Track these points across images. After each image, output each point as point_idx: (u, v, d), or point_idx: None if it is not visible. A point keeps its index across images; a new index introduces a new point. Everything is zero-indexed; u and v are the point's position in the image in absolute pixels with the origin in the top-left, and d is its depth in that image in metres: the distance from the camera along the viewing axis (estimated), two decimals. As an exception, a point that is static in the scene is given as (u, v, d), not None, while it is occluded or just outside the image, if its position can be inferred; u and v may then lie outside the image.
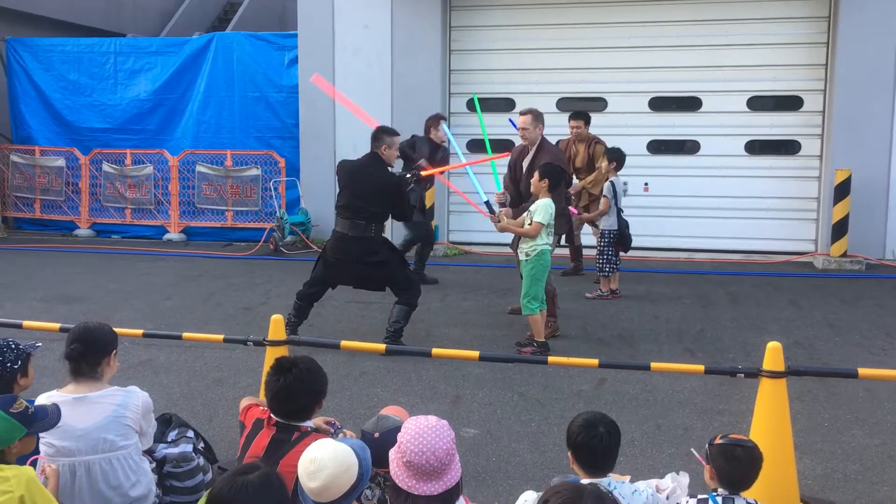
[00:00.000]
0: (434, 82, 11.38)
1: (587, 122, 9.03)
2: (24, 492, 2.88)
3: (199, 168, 12.24)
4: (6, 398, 3.03)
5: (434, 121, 8.82)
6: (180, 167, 12.33)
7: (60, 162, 12.94)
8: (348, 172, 6.53)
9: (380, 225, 6.51)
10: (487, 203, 6.55)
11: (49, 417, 3.11)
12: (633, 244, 9.36)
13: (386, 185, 6.43)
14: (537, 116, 6.95)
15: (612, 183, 8.21)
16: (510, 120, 7.85)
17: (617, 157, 8.28)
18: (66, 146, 12.96)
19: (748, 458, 3.10)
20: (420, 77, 11.35)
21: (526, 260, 6.24)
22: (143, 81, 12.71)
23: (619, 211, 8.27)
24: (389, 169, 6.64)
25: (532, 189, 6.33)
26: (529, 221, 6.20)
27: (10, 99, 13.38)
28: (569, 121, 9.10)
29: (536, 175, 6.25)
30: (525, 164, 6.93)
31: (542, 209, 6.14)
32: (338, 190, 6.61)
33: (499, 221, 6.43)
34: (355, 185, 6.42)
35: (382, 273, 6.49)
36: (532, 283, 6.23)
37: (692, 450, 3.60)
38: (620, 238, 8.23)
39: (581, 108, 9.83)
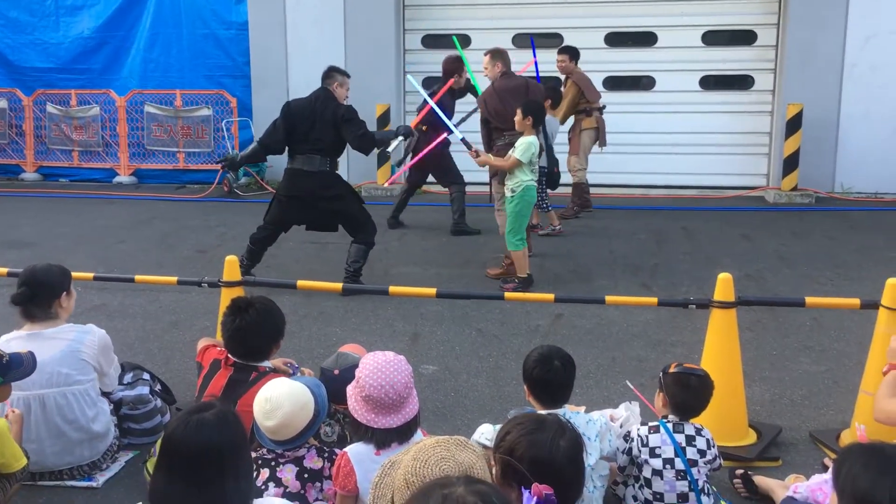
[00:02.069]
0: (388, 17, 11.15)
1: (572, 56, 8.97)
2: None
3: (148, 108, 11.92)
4: None
5: (458, 65, 8.16)
6: (128, 108, 11.98)
7: (2, 103, 12.47)
8: (299, 109, 6.44)
9: (335, 160, 6.47)
10: (464, 140, 6.59)
11: (25, 366, 3.08)
12: (589, 181, 9.42)
13: (338, 115, 6.33)
14: (494, 55, 6.97)
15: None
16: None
17: (549, 95, 8.09)
18: (10, 87, 12.49)
19: (701, 387, 3.18)
20: (374, 12, 11.11)
21: (511, 196, 6.24)
22: (85, 18, 12.21)
23: (549, 149, 8.07)
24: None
25: (517, 128, 6.25)
26: None
27: (-55, 38, 12.81)
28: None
29: (519, 112, 6.18)
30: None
31: (521, 146, 6.11)
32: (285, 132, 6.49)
33: (477, 156, 6.40)
34: (308, 119, 6.35)
35: (338, 208, 6.44)
36: (516, 218, 6.24)
37: (627, 382, 3.68)
38: (549, 176, 7.83)
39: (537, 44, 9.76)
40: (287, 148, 6.49)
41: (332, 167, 6.45)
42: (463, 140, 6.63)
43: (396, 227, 8.76)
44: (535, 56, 8.30)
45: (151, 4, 11.94)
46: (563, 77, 9.24)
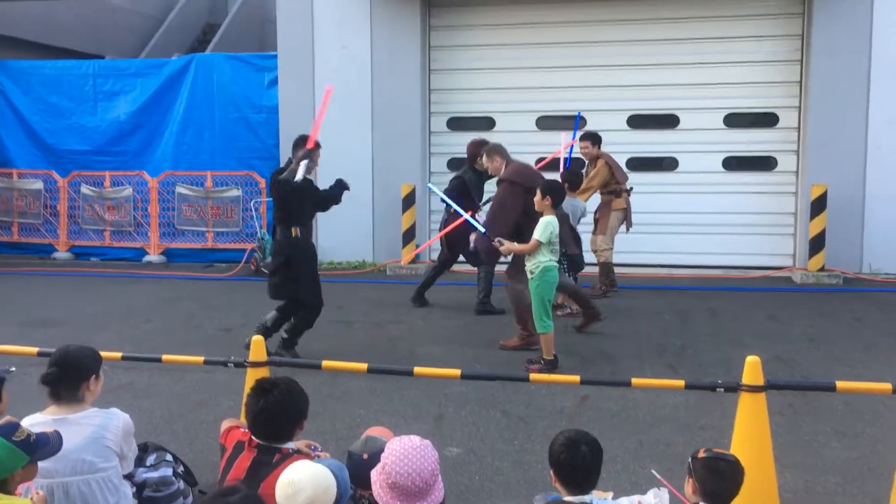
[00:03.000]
0: (414, 101, 11.44)
1: (594, 141, 9.11)
2: None
3: (179, 189, 12.20)
4: (8, 426, 3.00)
5: (480, 147, 8.22)
6: (160, 188, 12.28)
7: (38, 185, 12.84)
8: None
9: (287, 228, 6.62)
10: (486, 233, 6.71)
11: (51, 444, 3.09)
12: (617, 261, 9.41)
13: (278, 189, 6.52)
14: (489, 153, 7.21)
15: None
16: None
17: (567, 179, 8.04)
18: (47, 169, 12.87)
19: (731, 473, 3.11)
20: (400, 96, 11.41)
21: (531, 278, 6.27)
22: (122, 103, 12.67)
23: (571, 229, 7.91)
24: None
25: (536, 208, 6.33)
26: None
27: (-13, 122, 13.29)
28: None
29: (539, 192, 6.28)
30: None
31: (540, 226, 6.17)
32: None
33: (501, 245, 6.48)
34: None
35: (287, 274, 6.63)
36: (539, 300, 6.25)
37: (653, 471, 3.61)
38: (569, 257, 7.76)
39: (560, 127, 9.96)
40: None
41: (282, 235, 6.63)
42: (485, 233, 6.74)
43: (422, 305, 8.77)
44: (575, 133, 8.37)
45: (185, 90, 12.36)
46: (586, 161, 9.34)
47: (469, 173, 8.43)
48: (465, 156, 8.65)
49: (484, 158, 7.18)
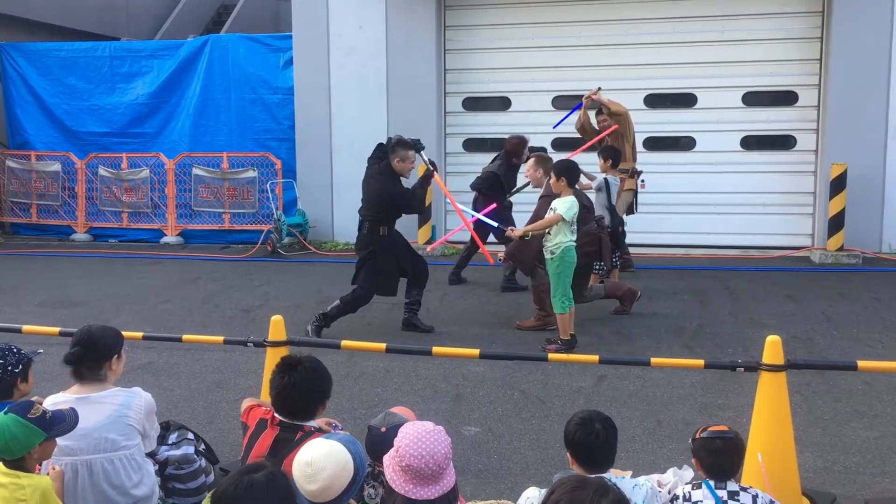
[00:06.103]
0: (429, 82, 11.39)
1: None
2: (38, 502, 2.89)
3: (196, 171, 12.24)
4: (23, 404, 3.05)
5: (522, 147, 8.52)
6: (177, 170, 12.33)
7: (56, 167, 12.92)
8: (364, 177, 7.00)
9: (374, 225, 6.83)
10: (500, 226, 6.82)
11: (67, 421, 3.13)
12: (630, 241, 9.38)
13: (385, 196, 6.79)
14: (540, 161, 7.19)
15: (605, 180, 7.94)
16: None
17: (612, 155, 8.03)
18: (65, 150, 12.94)
19: (727, 448, 3.12)
20: (415, 76, 11.37)
21: (551, 258, 6.26)
22: (139, 85, 12.70)
23: (612, 208, 7.95)
24: (400, 179, 6.90)
25: (554, 190, 6.34)
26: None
27: (5, 104, 13.35)
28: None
29: (553, 176, 6.27)
30: None
31: (566, 203, 6.15)
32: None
33: (513, 232, 6.52)
34: (364, 189, 6.95)
35: (359, 266, 6.96)
36: (559, 280, 6.23)
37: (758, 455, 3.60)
38: (613, 235, 7.78)
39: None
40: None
41: (370, 230, 6.86)
42: (500, 227, 6.85)
43: (458, 283, 8.92)
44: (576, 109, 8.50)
45: (201, 71, 12.37)
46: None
47: (503, 168, 8.53)
48: (484, 138, 8.71)
49: (532, 162, 7.17)
